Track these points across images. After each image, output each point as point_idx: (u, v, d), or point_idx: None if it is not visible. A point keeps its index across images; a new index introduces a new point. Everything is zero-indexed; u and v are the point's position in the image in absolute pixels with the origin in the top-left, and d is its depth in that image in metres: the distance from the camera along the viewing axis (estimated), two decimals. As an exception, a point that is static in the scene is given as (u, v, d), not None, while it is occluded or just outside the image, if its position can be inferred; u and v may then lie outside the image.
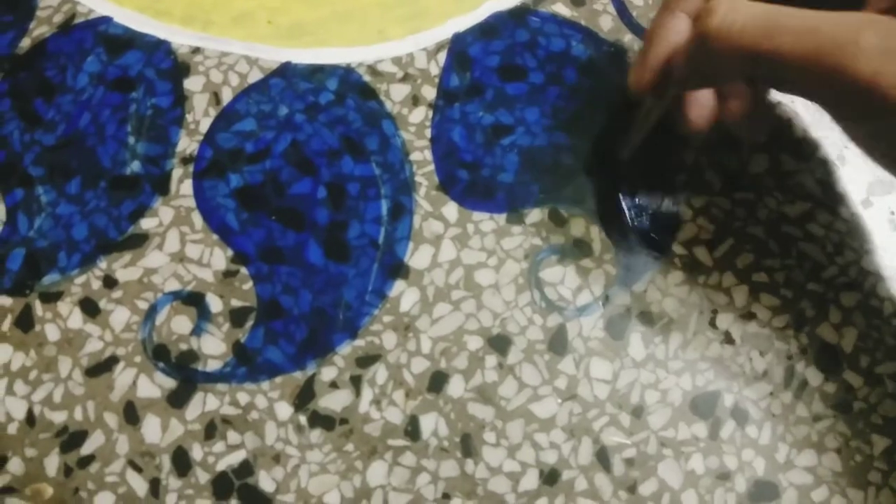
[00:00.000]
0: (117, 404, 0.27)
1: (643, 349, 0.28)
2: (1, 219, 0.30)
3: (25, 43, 0.33)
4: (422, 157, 0.31)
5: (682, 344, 0.28)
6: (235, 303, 0.29)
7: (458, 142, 0.31)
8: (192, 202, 0.30)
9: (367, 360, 0.28)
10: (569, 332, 0.28)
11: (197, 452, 0.27)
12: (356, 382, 0.28)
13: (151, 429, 0.27)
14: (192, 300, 0.29)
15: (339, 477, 0.27)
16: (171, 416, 0.27)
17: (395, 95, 0.32)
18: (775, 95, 0.31)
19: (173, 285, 0.29)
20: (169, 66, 0.32)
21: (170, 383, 0.28)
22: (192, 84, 0.32)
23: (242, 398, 0.27)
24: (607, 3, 0.33)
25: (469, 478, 0.27)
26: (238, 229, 0.30)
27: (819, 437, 0.27)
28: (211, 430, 0.27)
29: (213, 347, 0.28)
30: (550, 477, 0.27)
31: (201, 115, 0.31)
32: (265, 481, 0.27)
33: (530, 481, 0.27)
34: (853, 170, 0.30)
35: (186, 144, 0.31)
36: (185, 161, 0.31)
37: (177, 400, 0.28)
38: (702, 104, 0.26)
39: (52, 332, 0.28)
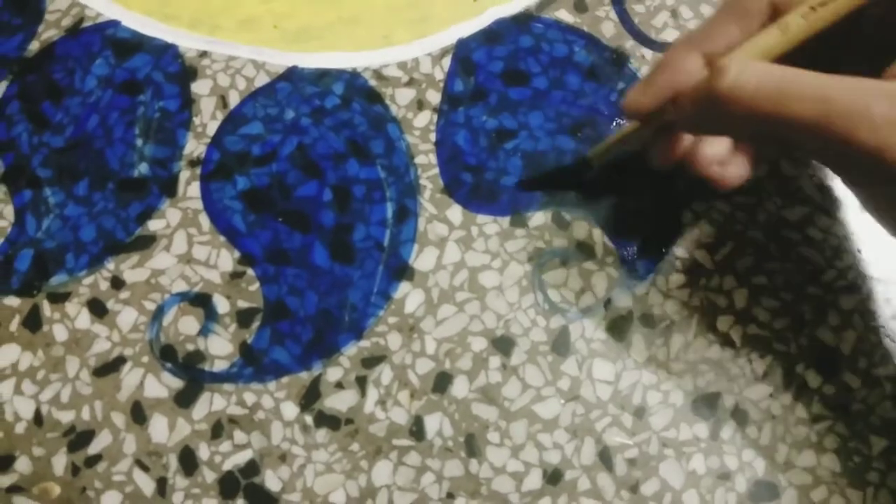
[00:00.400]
0: (124, 404, 0.28)
1: (645, 351, 0.28)
2: (9, 220, 0.30)
3: (34, 46, 0.33)
4: (426, 160, 0.31)
5: (684, 346, 0.28)
6: (242, 304, 0.29)
7: (463, 145, 0.31)
8: (199, 204, 0.30)
9: (372, 360, 0.28)
10: (571, 333, 0.29)
11: (204, 452, 0.27)
12: (361, 383, 0.28)
13: (158, 428, 0.27)
14: (200, 301, 0.29)
15: (344, 476, 0.27)
16: (178, 416, 0.28)
17: (400, 100, 0.32)
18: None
19: (180, 286, 0.29)
20: (176, 70, 0.33)
21: (177, 383, 0.28)
22: (199, 87, 0.32)
23: (249, 398, 0.28)
24: (609, 10, 0.34)
25: (473, 477, 0.27)
26: (245, 231, 0.30)
27: (818, 437, 0.27)
28: (217, 430, 0.27)
29: (220, 348, 0.28)
30: (553, 477, 0.27)
31: (209, 119, 0.32)
32: (271, 481, 0.27)
33: (534, 481, 0.27)
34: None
35: (194, 147, 0.31)
36: (193, 163, 0.31)
37: (184, 400, 0.28)
38: (678, 145, 0.26)
39: (59, 333, 0.29)
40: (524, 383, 0.28)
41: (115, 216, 0.30)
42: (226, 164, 0.31)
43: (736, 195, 0.30)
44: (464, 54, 0.33)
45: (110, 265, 0.30)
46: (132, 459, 0.27)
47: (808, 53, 0.22)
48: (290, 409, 0.28)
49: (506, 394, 0.28)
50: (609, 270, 0.29)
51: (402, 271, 0.29)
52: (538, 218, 0.30)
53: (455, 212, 0.30)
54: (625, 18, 0.34)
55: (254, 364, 0.28)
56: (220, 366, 0.28)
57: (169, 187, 0.31)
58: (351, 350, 0.28)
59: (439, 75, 0.33)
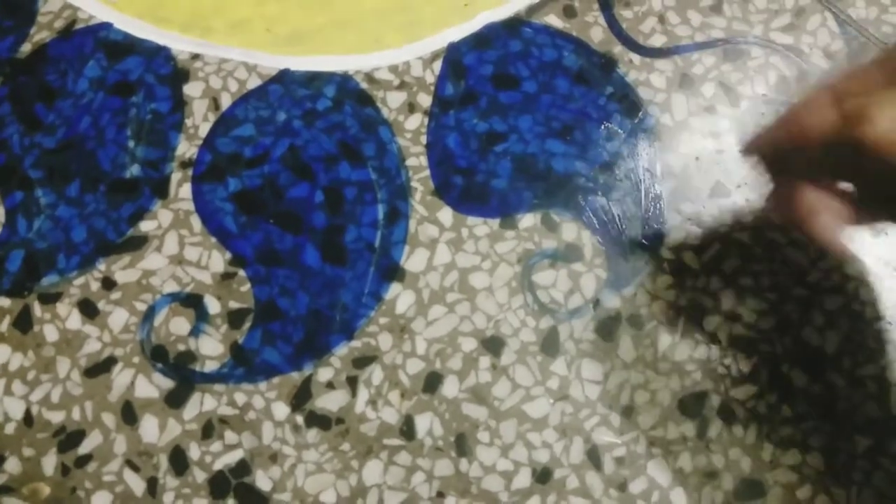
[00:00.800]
0: (115, 404, 0.28)
1: (633, 351, 0.29)
2: (0, 220, 0.30)
3: (26, 47, 0.33)
4: (417, 162, 0.31)
5: (671, 346, 0.29)
6: (233, 304, 0.29)
7: (453, 148, 0.32)
8: (190, 205, 0.30)
9: (363, 361, 0.28)
10: (560, 334, 0.29)
11: (194, 452, 0.27)
12: (352, 383, 0.28)
13: (149, 428, 0.27)
14: (191, 302, 0.29)
15: (335, 476, 0.27)
16: (169, 416, 0.28)
17: (391, 102, 0.32)
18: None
19: (172, 287, 0.29)
20: (168, 72, 0.33)
21: (168, 384, 0.28)
22: (191, 89, 0.32)
23: (240, 398, 0.28)
24: (598, 16, 0.34)
25: (463, 476, 0.27)
26: (236, 232, 0.30)
27: (803, 436, 0.28)
28: (208, 430, 0.27)
29: (211, 348, 0.29)
30: (543, 475, 0.27)
31: (200, 120, 0.32)
32: (262, 480, 0.27)
33: (523, 480, 0.27)
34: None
35: (186, 149, 0.31)
36: (185, 165, 0.31)
37: (174, 400, 0.28)
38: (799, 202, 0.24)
39: (50, 333, 0.29)
40: (514, 383, 0.28)
41: (107, 217, 0.30)
42: (217, 166, 0.31)
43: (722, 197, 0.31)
44: (454, 58, 0.33)
45: (101, 266, 0.30)
46: (123, 459, 0.27)
47: None
48: (281, 410, 0.28)
49: (495, 393, 0.28)
50: (597, 272, 0.30)
51: (392, 272, 0.30)
52: (528, 220, 0.30)
53: (446, 213, 0.31)
54: (613, 24, 0.34)
55: (245, 364, 0.28)
56: (210, 366, 0.28)
57: (160, 189, 0.31)
58: (342, 350, 0.28)
59: (430, 79, 0.33)
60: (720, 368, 0.29)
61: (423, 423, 0.28)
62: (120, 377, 0.28)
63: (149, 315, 0.29)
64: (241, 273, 0.30)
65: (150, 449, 0.27)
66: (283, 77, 0.33)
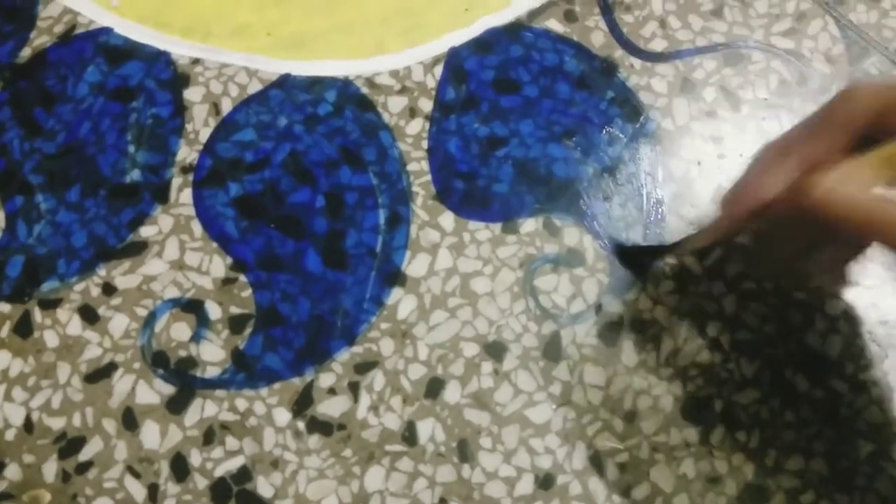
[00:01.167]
0: (116, 410, 0.28)
1: (635, 356, 0.29)
2: (0, 226, 0.30)
3: (26, 52, 0.33)
4: (419, 167, 0.31)
5: (673, 351, 0.29)
6: (234, 310, 0.29)
7: (455, 153, 0.32)
8: (191, 210, 0.30)
9: (364, 366, 0.28)
10: (563, 339, 0.29)
11: (195, 458, 0.27)
12: (354, 389, 0.28)
13: (150, 435, 0.27)
14: (191, 307, 0.29)
15: (336, 482, 0.27)
16: (170, 423, 0.27)
17: (392, 107, 0.32)
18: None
19: (172, 292, 0.29)
20: (169, 77, 0.33)
21: (168, 389, 0.28)
22: (191, 94, 0.32)
23: (241, 404, 0.28)
24: (599, 20, 0.34)
25: (465, 482, 0.27)
26: (237, 237, 0.30)
27: (807, 442, 0.28)
28: (209, 436, 0.27)
29: (212, 354, 0.28)
30: (545, 481, 0.27)
31: (201, 125, 0.32)
32: (263, 487, 0.27)
33: (525, 486, 0.27)
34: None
35: (186, 154, 0.31)
36: (185, 170, 0.31)
37: (175, 406, 0.28)
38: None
39: (50, 339, 0.29)
40: (516, 388, 0.28)
41: (107, 222, 0.30)
42: (218, 171, 0.31)
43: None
44: (455, 63, 0.33)
45: (102, 271, 0.29)
46: (123, 466, 0.27)
47: None
48: (283, 415, 0.28)
49: (498, 399, 0.28)
50: (600, 276, 0.30)
51: (394, 277, 0.29)
52: (529, 224, 0.30)
53: (447, 218, 0.30)
54: (614, 28, 0.34)
55: (246, 370, 0.28)
56: (212, 372, 0.28)
57: (161, 194, 0.31)
58: (343, 356, 0.28)
59: (431, 83, 0.33)
60: (723, 373, 0.28)
61: (424, 428, 0.28)
62: (121, 383, 0.28)
63: (149, 321, 0.29)
64: (242, 278, 0.29)
65: (151, 455, 0.27)
66: (284, 82, 0.33)
